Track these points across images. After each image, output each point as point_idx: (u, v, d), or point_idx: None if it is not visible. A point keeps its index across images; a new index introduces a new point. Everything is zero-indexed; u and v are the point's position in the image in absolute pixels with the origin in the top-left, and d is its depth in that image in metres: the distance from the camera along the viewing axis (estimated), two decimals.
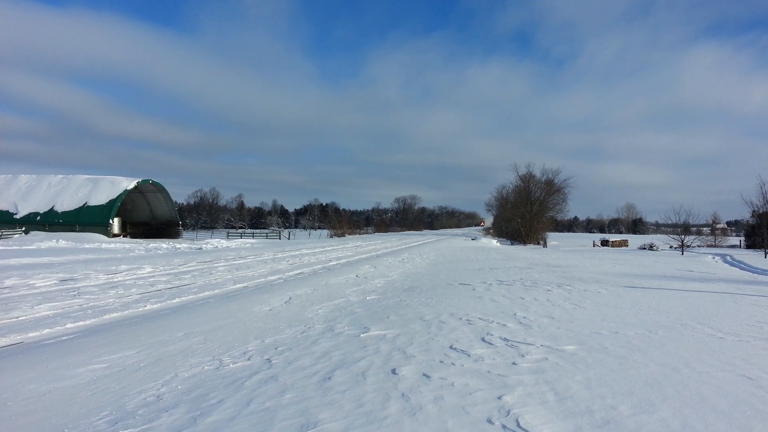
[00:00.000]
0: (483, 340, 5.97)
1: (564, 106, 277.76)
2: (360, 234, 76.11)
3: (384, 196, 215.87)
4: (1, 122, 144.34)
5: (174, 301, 9.47)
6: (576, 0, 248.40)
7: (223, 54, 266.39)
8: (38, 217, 40.28)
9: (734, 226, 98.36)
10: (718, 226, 68.95)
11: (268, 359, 5.19)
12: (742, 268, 19.02)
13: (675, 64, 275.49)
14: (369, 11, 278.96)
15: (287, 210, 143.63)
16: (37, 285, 11.01)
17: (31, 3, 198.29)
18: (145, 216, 49.74)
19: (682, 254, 29.80)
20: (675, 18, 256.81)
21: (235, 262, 18.75)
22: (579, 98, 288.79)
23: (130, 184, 43.19)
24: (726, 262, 22.79)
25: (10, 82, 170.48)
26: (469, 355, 5.23)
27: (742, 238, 50.18)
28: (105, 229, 39.07)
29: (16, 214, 40.54)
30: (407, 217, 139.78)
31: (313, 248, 29.60)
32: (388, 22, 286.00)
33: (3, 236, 33.39)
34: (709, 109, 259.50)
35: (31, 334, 6.64)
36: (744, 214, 50.15)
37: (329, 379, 4.48)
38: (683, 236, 34.08)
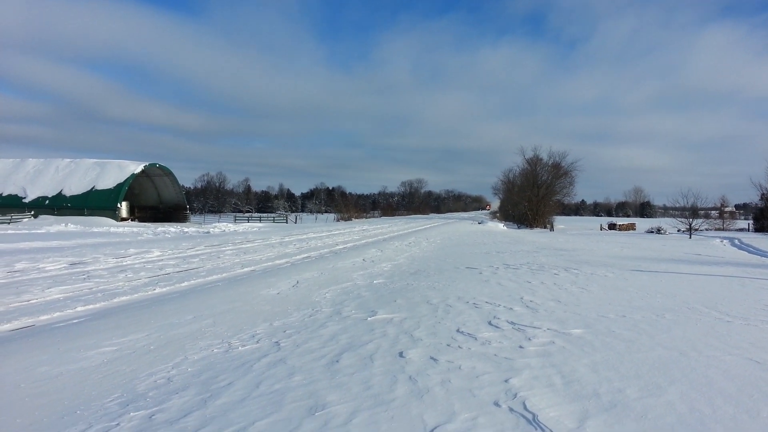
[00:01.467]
0: (490, 323, 5.99)
1: (574, 89, 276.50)
2: (366, 218, 76.19)
3: (390, 180, 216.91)
4: (10, 106, 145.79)
5: (183, 284, 9.53)
6: None
7: (232, 38, 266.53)
8: (47, 201, 40.51)
9: (743, 209, 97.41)
10: (726, 209, 68.25)
11: (277, 342, 5.23)
12: (750, 252, 18.92)
13: (687, 45, 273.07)
14: None
15: (294, 194, 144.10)
16: (47, 268, 11.11)
17: None
18: (153, 200, 49.92)
19: (690, 238, 29.65)
20: None
21: (243, 246, 18.83)
22: (589, 80, 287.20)
23: (138, 168, 43.29)
24: (734, 245, 22.67)
25: (20, 66, 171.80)
26: (476, 339, 5.25)
27: (751, 222, 49.81)
28: (113, 213, 39.29)
29: (24, 198, 40.78)
30: (413, 201, 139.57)
31: (320, 232, 29.66)
32: (399, 4, 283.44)
33: (12, 220, 33.65)
34: (720, 91, 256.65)
35: (42, 317, 6.71)
36: (753, 197, 49.72)
37: (337, 362, 4.52)
38: (691, 220, 33.88)
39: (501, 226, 50.69)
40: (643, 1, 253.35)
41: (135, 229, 29.59)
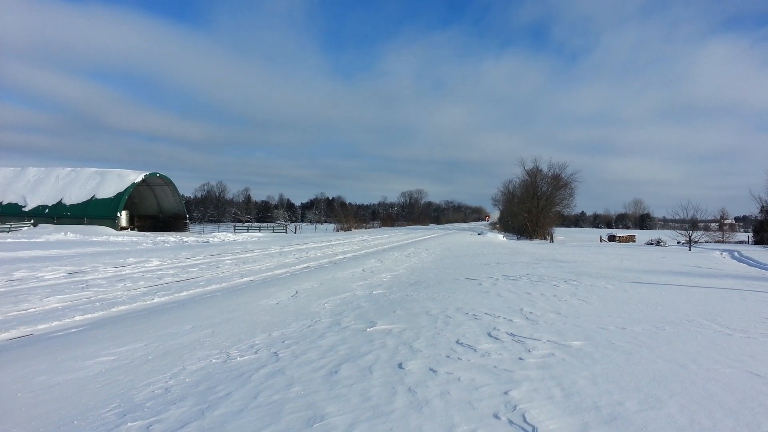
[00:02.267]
0: (489, 335, 5.97)
1: (576, 101, 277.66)
2: (366, 228, 76.15)
3: (390, 191, 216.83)
4: (13, 115, 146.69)
5: (181, 294, 9.52)
6: None
7: (237, 48, 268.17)
8: (47, 210, 40.57)
9: (742, 221, 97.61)
10: (726, 221, 68.42)
11: (275, 352, 5.21)
12: (750, 264, 18.91)
13: (690, 57, 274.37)
14: (385, 4, 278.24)
15: (293, 204, 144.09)
16: (46, 277, 11.09)
17: None
18: (153, 209, 49.96)
19: (690, 250, 29.64)
20: (693, 11, 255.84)
21: (242, 255, 18.81)
22: (591, 92, 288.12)
23: (138, 177, 43.39)
24: (734, 257, 22.66)
25: (24, 75, 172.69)
26: (475, 350, 5.24)
27: (751, 234, 49.87)
28: (113, 222, 39.33)
29: (24, 206, 40.86)
30: (413, 212, 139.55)
31: (320, 242, 29.65)
32: (403, 16, 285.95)
33: (12, 229, 33.63)
34: (722, 104, 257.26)
35: (40, 326, 6.69)
36: (752, 210, 49.86)
37: (336, 372, 4.50)
38: (691, 232, 33.88)
39: (501, 237, 50.70)
40: (646, 13, 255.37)
41: (134, 239, 29.59)
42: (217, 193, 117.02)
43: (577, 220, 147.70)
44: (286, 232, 52.53)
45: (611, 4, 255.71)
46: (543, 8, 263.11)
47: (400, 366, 4.68)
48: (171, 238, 31.59)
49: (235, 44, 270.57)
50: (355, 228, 68.47)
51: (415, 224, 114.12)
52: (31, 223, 37.29)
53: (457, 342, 5.61)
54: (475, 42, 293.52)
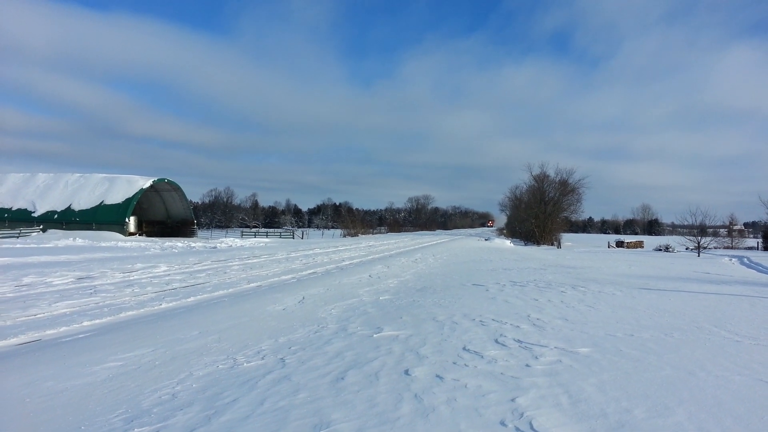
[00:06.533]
0: (496, 341, 5.95)
1: (592, 107, 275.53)
2: (373, 234, 76.09)
3: (398, 196, 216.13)
4: (31, 122, 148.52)
5: (189, 299, 9.55)
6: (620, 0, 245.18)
7: (258, 56, 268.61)
8: (56, 216, 40.85)
9: (752, 227, 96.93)
10: (735, 227, 68.00)
11: (282, 358, 5.22)
12: (759, 271, 18.73)
13: (710, 64, 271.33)
14: (410, 12, 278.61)
15: (301, 209, 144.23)
16: (54, 283, 11.16)
17: (74, 7, 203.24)
18: (161, 215, 50.21)
19: (698, 256, 29.43)
20: (716, 18, 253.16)
21: (249, 261, 18.86)
22: (609, 99, 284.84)
23: (146, 182, 43.60)
24: (743, 264, 22.47)
25: (46, 83, 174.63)
26: (482, 357, 5.22)
27: (760, 240, 49.51)
28: (121, 228, 39.53)
29: (34, 212, 41.17)
30: (420, 217, 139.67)
31: (326, 248, 29.68)
32: (427, 24, 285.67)
33: (21, 234, 33.90)
34: (740, 110, 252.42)
35: (48, 332, 6.73)
36: (762, 216, 49.54)
37: (342, 379, 4.50)
38: (699, 238, 33.64)
39: (508, 242, 50.51)
40: (670, 21, 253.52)
41: (142, 244, 29.74)
42: (225, 199, 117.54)
43: (585, 226, 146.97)
44: (293, 238, 52.63)
45: (636, 11, 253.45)
46: (567, 15, 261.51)
47: (406, 372, 4.67)
48: (179, 243, 31.73)
49: (256, 53, 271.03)
50: (362, 233, 68.44)
51: (422, 230, 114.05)
52: (41, 229, 37.57)
53: (464, 348, 5.60)
54: (497, 49, 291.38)
